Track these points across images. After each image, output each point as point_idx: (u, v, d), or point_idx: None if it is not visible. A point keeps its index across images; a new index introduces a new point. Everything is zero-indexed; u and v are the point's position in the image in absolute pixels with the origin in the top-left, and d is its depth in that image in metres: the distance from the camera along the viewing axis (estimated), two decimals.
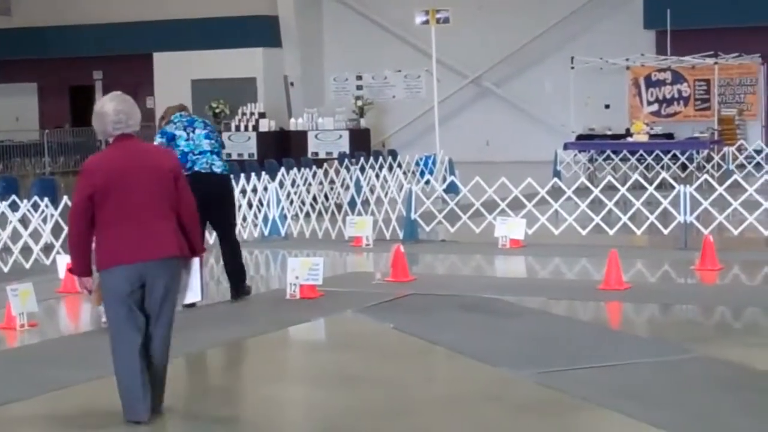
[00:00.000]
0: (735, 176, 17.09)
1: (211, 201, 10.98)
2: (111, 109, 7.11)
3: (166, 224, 7.09)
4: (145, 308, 7.08)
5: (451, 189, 19.32)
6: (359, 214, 16.91)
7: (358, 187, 19.07)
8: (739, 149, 26.93)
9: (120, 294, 6.99)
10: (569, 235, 15.62)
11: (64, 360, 9.05)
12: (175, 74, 35.50)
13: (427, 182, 21.29)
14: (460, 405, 7.58)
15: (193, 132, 11.44)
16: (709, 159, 26.02)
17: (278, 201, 16.80)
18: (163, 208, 7.09)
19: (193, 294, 7.35)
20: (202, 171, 11.28)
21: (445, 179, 21.47)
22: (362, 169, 20.92)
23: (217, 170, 11.44)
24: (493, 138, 33.94)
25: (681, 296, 11.76)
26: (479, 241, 15.61)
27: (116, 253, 7.01)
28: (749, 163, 25.77)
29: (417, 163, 24.09)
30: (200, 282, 7.40)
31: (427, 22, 25.36)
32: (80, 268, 7.14)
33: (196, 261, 7.32)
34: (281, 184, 17.34)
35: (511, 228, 15.19)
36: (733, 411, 7.16)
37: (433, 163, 23.88)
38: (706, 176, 17.99)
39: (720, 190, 15.78)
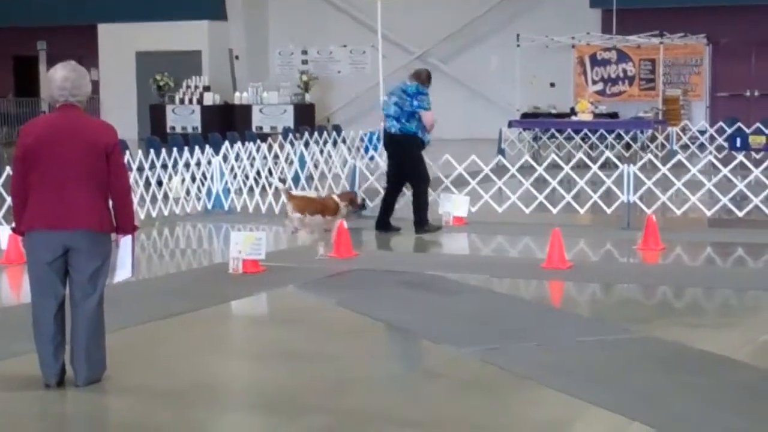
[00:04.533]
0: (678, 156, 17.18)
1: (391, 155, 14.52)
2: (60, 76, 7.20)
3: (87, 198, 7.16)
4: (72, 279, 7.22)
5: None
6: (303, 189, 16.84)
7: (302, 162, 18.99)
8: (683, 129, 27.13)
9: (39, 259, 7.19)
10: (513, 213, 15.65)
11: (6, 331, 8.94)
12: (119, 46, 35.23)
13: (372, 158, 21.21)
14: (402, 382, 7.57)
15: (390, 99, 14.35)
16: (653, 139, 26.19)
17: (222, 175, 16.71)
18: (88, 182, 7.15)
19: (124, 272, 7.38)
20: (386, 131, 14.38)
21: None
22: (306, 144, 20.85)
23: (392, 131, 14.22)
24: (438, 115, 33.61)
25: (623, 275, 11.81)
26: None
27: (33, 218, 7.18)
28: (693, 143, 25.99)
29: (361, 139, 24.04)
30: (131, 259, 7.39)
31: None
32: (18, 227, 7.32)
33: (127, 239, 7.33)
34: (225, 158, 17.25)
35: (454, 205, 15.21)
36: (671, 390, 7.19)
37: (378, 139, 23.81)
38: (649, 156, 18.07)
39: (663, 170, 15.87)
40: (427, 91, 14.35)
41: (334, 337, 8.95)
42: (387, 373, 7.88)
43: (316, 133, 23.39)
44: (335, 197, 14.83)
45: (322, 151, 20.41)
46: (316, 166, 18.80)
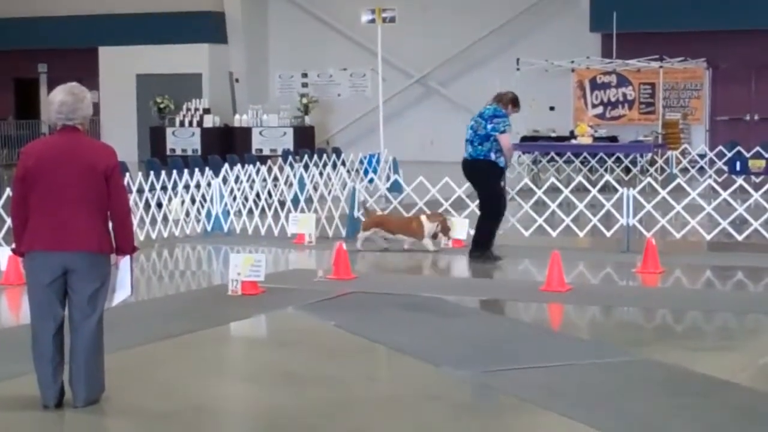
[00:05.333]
0: (678, 180, 17.18)
1: (468, 181, 14.14)
2: (57, 100, 7.22)
3: (86, 219, 7.15)
4: (71, 301, 7.20)
5: (395, 188, 19.31)
6: (302, 211, 16.86)
7: (302, 185, 19.00)
8: (683, 153, 27.16)
9: (38, 280, 7.18)
10: (512, 235, 15.63)
11: (5, 352, 8.92)
12: (120, 69, 35.32)
13: (371, 181, 21.25)
14: (400, 404, 7.54)
15: (470, 122, 13.93)
16: (652, 162, 26.21)
17: (221, 197, 16.72)
18: (87, 204, 7.15)
19: (123, 292, 7.37)
20: (464, 156, 13.91)
21: (388, 178, 21.48)
22: (306, 167, 20.87)
23: (465, 155, 13.86)
24: (437, 138, 33.99)
25: (622, 298, 11.80)
26: None
27: (33, 239, 7.17)
28: (693, 167, 26.01)
29: (361, 162, 24.07)
30: (131, 280, 7.39)
31: (373, 21, 25.40)
32: (18, 248, 7.32)
33: (126, 260, 7.33)
34: (225, 180, 17.26)
35: (453, 228, 15.19)
36: (671, 414, 7.17)
37: (377, 162, 23.85)
38: (649, 179, 18.07)
39: (663, 193, 15.87)
40: (504, 114, 13.75)
41: (333, 359, 8.93)
42: (386, 395, 7.86)
43: (315, 156, 23.42)
44: (423, 218, 14.85)
45: (321, 174, 20.40)
46: (315, 189, 18.77)
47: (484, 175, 13.83)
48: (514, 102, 13.98)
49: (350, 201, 16.21)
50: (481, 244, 13.94)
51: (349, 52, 34.83)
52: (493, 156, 13.69)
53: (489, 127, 13.65)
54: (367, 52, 32.72)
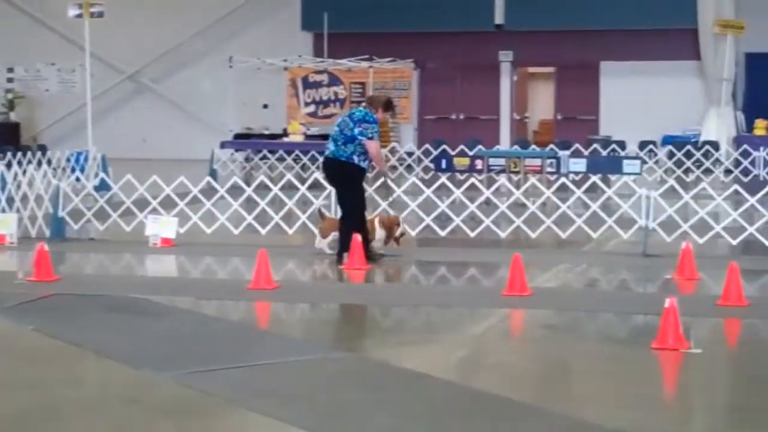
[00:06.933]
0: (383, 178, 17.45)
1: (328, 180, 14.02)
2: None
3: None
4: None
5: (103, 186, 18.91)
6: (3, 211, 16.27)
7: (3, 184, 18.34)
8: (392, 151, 27.68)
9: None
10: (222, 234, 15.56)
11: None
12: None
13: (78, 179, 20.73)
14: (99, 408, 7.35)
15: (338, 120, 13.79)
16: None
17: None
18: None
19: None
20: (326, 153, 13.64)
21: (96, 176, 21.03)
22: (9, 165, 20.17)
23: (326, 152, 13.60)
24: (150, 135, 33.57)
25: (329, 295, 11.88)
26: (129, 239, 15.33)
27: None
28: (401, 164, 26.55)
29: (68, 160, 23.47)
30: None
31: (81, 15, 24.84)
32: None
33: None
34: None
35: (162, 227, 15.00)
36: (371, 408, 7.24)
37: (85, 160, 23.31)
38: None
39: (370, 191, 16.07)
40: (374, 119, 13.45)
41: (31, 363, 8.64)
42: (84, 398, 7.64)
43: (19, 154, 22.69)
44: (375, 221, 14.01)
45: (25, 172, 19.74)
46: (18, 188, 18.11)
47: (345, 177, 13.46)
48: (386, 106, 13.75)
49: (53, 200, 15.73)
50: (347, 248, 13.28)
51: (58, 46, 33.97)
52: (356, 159, 13.35)
53: (356, 130, 13.32)
54: (75, 47, 31.96)
